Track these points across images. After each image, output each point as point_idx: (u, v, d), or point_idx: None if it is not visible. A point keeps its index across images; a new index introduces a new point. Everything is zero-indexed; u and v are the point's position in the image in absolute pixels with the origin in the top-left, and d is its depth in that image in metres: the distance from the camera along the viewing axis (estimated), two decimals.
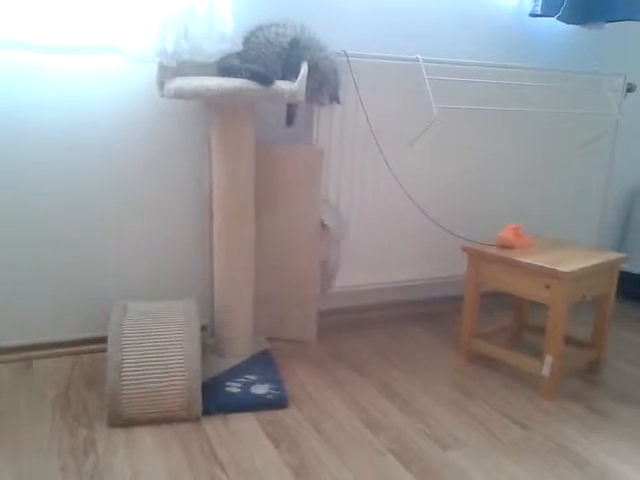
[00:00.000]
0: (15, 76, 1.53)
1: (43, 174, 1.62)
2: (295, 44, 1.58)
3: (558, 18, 2.04)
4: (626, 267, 2.33)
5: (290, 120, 1.75)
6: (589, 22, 2.10)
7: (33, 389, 1.54)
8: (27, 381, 1.58)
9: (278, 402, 1.50)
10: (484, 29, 2.06)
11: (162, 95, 1.49)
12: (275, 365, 1.67)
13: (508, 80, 1.97)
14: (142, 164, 1.72)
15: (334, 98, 1.68)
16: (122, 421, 1.38)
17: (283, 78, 1.55)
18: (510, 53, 2.11)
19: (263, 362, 1.68)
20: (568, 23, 2.08)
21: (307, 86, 1.53)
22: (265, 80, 1.44)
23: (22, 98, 1.55)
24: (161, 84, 1.49)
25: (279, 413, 1.48)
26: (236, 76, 1.47)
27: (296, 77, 1.50)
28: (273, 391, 1.52)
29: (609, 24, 2.14)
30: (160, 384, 1.39)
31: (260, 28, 1.60)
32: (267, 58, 1.56)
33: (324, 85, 1.63)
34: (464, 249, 1.77)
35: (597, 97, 2.15)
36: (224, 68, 1.54)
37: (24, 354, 1.68)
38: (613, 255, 1.73)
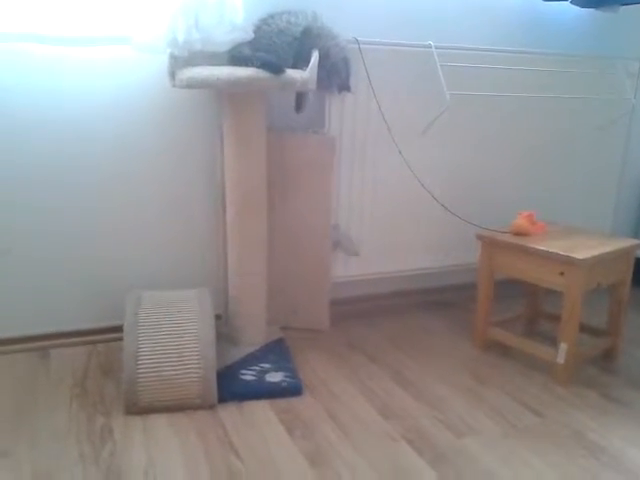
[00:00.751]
0: (26, 68, 1.54)
1: (57, 166, 1.63)
2: (307, 33, 1.57)
3: (572, 2, 2.02)
4: None
5: (299, 107, 1.74)
6: (604, 5, 2.07)
7: (50, 378, 1.56)
8: (44, 370, 1.60)
9: (292, 390, 1.51)
10: (497, 14, 2.04)
11: (174, 85, 1.49)
12: (289, 353, 1.68)
13: (522, 66, 1.95)
14: (156, 155, 1.72)
15: (344, 87, 1.67)
16: (138, 409, 1.40)
17: (294, 67, 1.54)
18: (524, 38, 2.09)
19: (277, 350, 1.69)
20: (582, 7, 2.06)
21: (317, 76, 1.52)
22: (276, 69, 1.44)
23: (34, 90, 1.56)
24: (173, 74, 1.49)
25: (293, 401, 1.49)
26: (247, 65, 1.47)
27: (307, 66, 1.49)
28: (287, 379, 1.53)
29: (624, 7, 2.11)
30: (176, 372, 1.40)
31: (272, 16, 1.59)
32: (278, 47, 1.55)
33: (333, 75, 1.62)
34: (478, 237, 1.76)
35: (612, 81, 2.13)
36: (235, 57, 1.54)
37: (41, 343, 1.70)
38: (629, 241, 1.72)
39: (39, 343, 1.70)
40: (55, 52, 1.55)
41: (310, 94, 1.76)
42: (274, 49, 1.55)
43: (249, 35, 1.58)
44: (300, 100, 1.74)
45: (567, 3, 2.03)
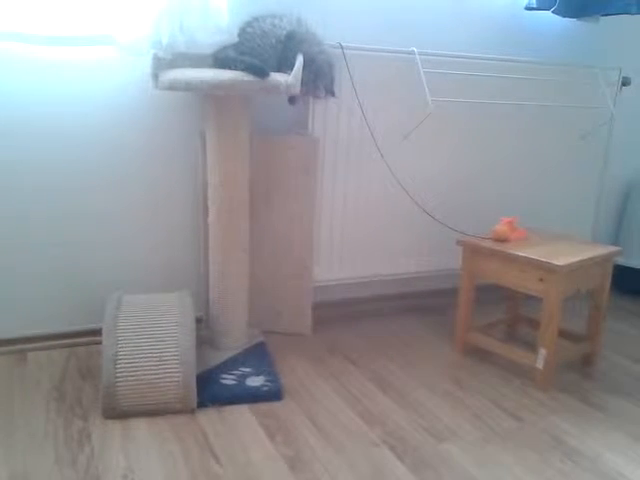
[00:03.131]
0: (6, 67, 1.52)
1: (35, 167, 1.61)
2: (291, 37, 1.57)
3: (554, 11, 2.04)
4: (620, 260, 2.34)
5: (292, 100, 1.74)
6: (585, 16, 2.10)
7: (28, 382, 1.54)
8: (22, 374, 1.57)
9: (273, 394, 1.50)
10: (480, 22, 2.06)
11: (156, 87, 1.48)
12: (270, 357, 1.67)
13: (503, 73, 1.97)
14: (137, 157, 1.71)
15: (329, 91, 1.68)
16: (117, 413, 1.38)
17: (279, 70, 1.54)
18: (506, 46, 2.11)
19: (258, 354, 1.68)
20: (564, 16, 2.08)
21: (303, 79, 1.52)
22: (260, 72, 1.44)
23: (13, 90, 1.54)
24: (155, 76, 1.48)
25: (274, 405, 1.48)
26: (231, 68, 1.47)
27: (291, 70, 1.49)
28: (268, 383, 1.53)
29: (604, 18, 2.14)
30: (155, 376, 1.39)
31: (256, 19, 1.59)
32: (262, 49, 1.55)
33: (320, 78, 1.63)
34: (459, 242, 1.77)
35: (592, 91, 2.15)
36: (220, 60, 1.53)
37: (19, 347, 1.68)
38: (607, 248, 1.74)
39: (16, 346, 1.68)
40: (36, 52, 1.54)
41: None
42: (258, 52, 1.55)
43: (233, 38, 1.57)
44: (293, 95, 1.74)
45: (549, 12, 2.05)
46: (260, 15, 1.59)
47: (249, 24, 1.59)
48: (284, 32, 1.56)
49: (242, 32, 1.58)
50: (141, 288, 1.78)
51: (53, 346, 1.71)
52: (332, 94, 1.69)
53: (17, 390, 1.49)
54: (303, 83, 1.54)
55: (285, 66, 1.55)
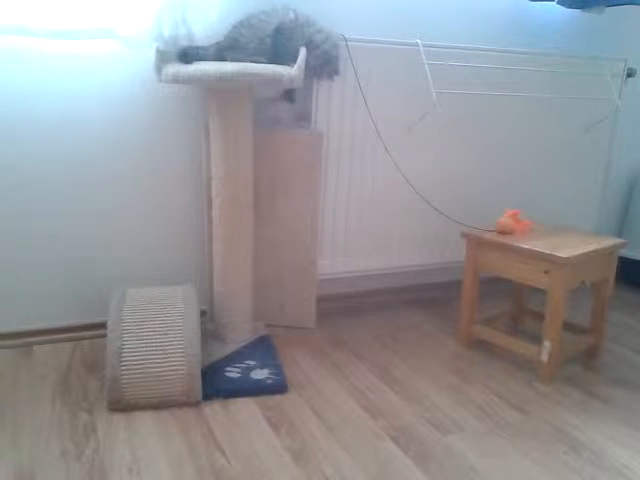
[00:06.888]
0: (8, 60, 1.52)
1: (37, 161, 1.61)
2: (280, 30, 1.56)
3: (558, 2, 2.03)
4: (625, 253, 2.34)
5: (291, 97, 1.74)
6: (590, 6, 2.08)
7: (33, 375, 1.54)
8: (27, 367, 1.58)
9: (278, 387, 1.51)
10: (484, 13, 2.05)
11: (160, 80, 1.48)
12: (275, 350, 1.67)
13: (508, 65, 1.96)
14: (140, 150, 1.71)
15: (335, 72, 1.68)
16: (122, 406, 1.39)
17: (274, 62, 1.54)
18: (510, 38, 2.10)
19: (263, 347, 1.68)
20: (568, 7, 2.07)
21: (308, 65, 1.53)
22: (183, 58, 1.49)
23: (14, 83, 1.54)
24: (159, 69, 1.48)
25: (278, 398, 1.49)
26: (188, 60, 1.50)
27: (290, 62, 1.49)
28: (273, 376, 1.53)
29: (610, 8, 2.13)
30: (160, 369, 1.39)
31: (247, 17, 1.59)
32: (246, 43, 1.55)
33: (326, 64, 1.63)
34: (463, 235, 1.77)
35: (597, 82, 2.14)
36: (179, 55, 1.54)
37: (24, 340, 1.69)
38: (612, 241, 1.73)
39: (22, 339, 1.68)
40: (38, 45, 1.53)
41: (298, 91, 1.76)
42: (242, 45, 1.54)
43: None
44: (290, 91, 1.74)
45: (553, 3, 2.04)
46: (252, 14, 1.59)
47: (240, 22, 1.59)
48: (272, 27, 1.56)
49: (231, 30, 1.58)
50: (146, 281, 1.78)
51: (58, 339, 1.72)
52: (337, 73, 1.69)
53: (23, 383, 1.50)
54: (309, 68, 1.55)
55: (283, 59, 1.54)
